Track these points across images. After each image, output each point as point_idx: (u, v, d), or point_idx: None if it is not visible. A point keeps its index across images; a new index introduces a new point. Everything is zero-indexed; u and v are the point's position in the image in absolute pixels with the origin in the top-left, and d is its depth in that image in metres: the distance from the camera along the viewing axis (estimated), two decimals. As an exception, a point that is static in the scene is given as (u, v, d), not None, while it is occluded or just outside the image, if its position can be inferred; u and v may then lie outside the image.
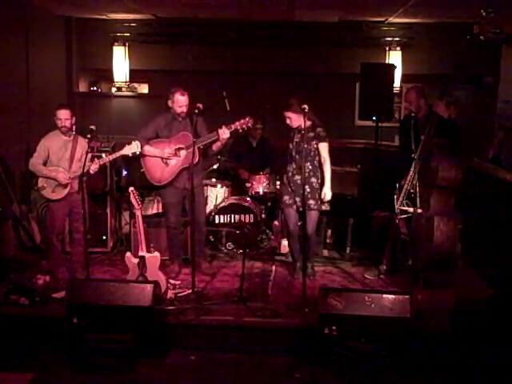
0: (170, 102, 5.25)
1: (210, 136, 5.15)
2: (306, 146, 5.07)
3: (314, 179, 5.22)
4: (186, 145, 5.18)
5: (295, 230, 5.31)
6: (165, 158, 5.25)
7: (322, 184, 5.22)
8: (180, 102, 5.18)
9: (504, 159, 5.77)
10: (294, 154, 5.25)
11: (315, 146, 5.18)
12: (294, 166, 5.24)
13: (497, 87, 6.65)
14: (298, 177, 5.21)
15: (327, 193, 5.17)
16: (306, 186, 5.05)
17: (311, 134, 5.17)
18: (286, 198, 5.32)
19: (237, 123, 5.14)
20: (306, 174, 5.09)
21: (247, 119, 5.15)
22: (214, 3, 6.36)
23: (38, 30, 7.07)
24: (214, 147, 5.29)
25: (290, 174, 5.28)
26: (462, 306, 4.25)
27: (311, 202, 5.19)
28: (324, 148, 5.19)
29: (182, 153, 5.23)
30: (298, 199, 5.21)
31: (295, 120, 5.10)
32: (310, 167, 5.19)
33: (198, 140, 5.09)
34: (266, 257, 6.04)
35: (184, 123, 5.27)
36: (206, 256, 5.73)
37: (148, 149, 5.27)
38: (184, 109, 5.21)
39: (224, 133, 5.08)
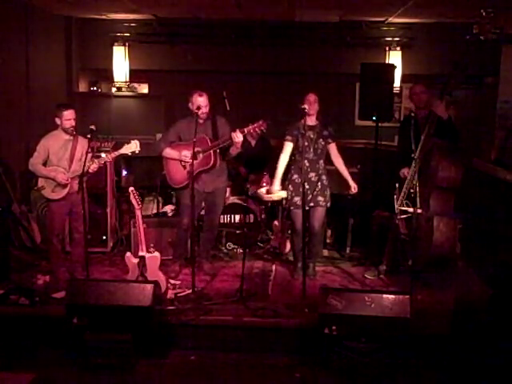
0: (190, 105, 5.20)
1: (223, 140, 5.13)
2: (322, 143, 5.21)
3: (324, 176, 5.29)
4: (202, 148, 5.16)
5: (302, 229, 5.19)
6: (183, 161, 5.26)
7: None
8: (199, 102, 5.12)
9: (506, 160, 5.76)
10: (309, 150, 5.21)
11: (327, 144, 5.26)
12: (308, 164, 5.21)
13: (497, 87, 6.63)
14: (312, 174, 5.22)
15: (355, 186, 5.32)
16: (319, 183, 5.19)
17: (326, 133, 5.26)
18: (296, 199, 5.24)
19: (250, 127, 5.06)
20: (320, 171, 5.22)
21: (261, 122, 5.06)
22: (214, 3, 6.36)
23: (38, 29, 7.06)
24: (232, 151, 5.24)
25: (303, 171, 5.13)
26: (461, 306, 4.25)
27: (320, 198, 5.23)
28: (335, 146, 5.32)
29: (199, 156, 5.21)
30: (309, 197, 5.20)
31: (314, 106, 5.14)
32: (323, 164, 5.28)
33: (213, 144, 5.11)
34: (266, 257, 6.05)
35: (205, 125, 5.24)
36: (210, 257, 5.73)
37: (168, 151, 5.29)
38: (204, 109, 5.15)
39: (237, 136, 5.02)
